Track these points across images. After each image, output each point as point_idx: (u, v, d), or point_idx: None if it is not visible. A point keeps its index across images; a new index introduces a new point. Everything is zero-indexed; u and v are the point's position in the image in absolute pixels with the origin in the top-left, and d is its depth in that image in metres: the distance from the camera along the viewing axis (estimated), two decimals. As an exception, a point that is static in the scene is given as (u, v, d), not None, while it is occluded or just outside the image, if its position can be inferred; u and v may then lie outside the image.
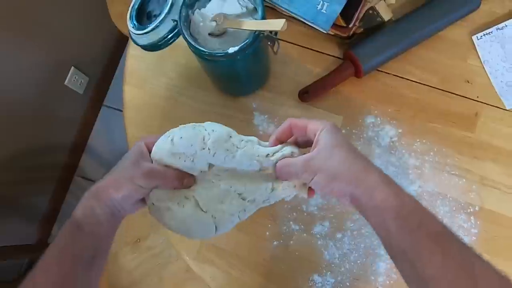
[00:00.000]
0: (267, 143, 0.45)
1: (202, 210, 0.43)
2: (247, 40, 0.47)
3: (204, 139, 0.43)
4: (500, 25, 0.63)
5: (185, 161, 0.43)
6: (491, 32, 0.63)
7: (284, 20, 0.44)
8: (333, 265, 0.60)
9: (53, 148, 1.28)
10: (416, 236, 0.31)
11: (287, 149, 0.42)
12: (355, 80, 0.64)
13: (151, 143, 0.44)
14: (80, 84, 1.28)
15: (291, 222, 0.62)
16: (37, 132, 1.20)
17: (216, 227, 0.44)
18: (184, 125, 0.45)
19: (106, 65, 1.37)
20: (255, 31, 0.47)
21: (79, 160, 1.41)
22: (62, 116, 1.27)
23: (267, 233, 0.62)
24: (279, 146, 0.43)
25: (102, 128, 1.42)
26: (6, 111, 1.06)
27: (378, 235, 0.35)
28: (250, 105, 0.65)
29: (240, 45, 0.47)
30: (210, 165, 0.44)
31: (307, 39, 0.67)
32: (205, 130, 0.44)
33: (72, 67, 1.22)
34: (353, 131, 0.63)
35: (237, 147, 0.44)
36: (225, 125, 0.46)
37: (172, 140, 0.43)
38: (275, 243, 0.61)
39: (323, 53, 0.66)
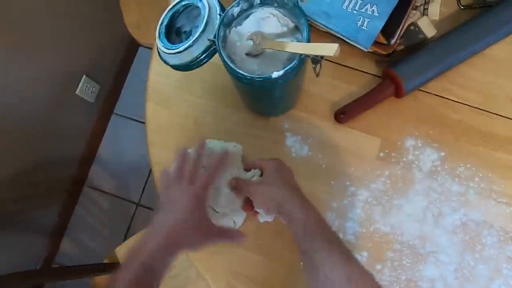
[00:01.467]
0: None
1: (217, 212, 0.56)
2: (293, 64, 0.43)
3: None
4: (549, 43, 0.59)
5: None
6: (540, 50, 0.59)
7: (337, 45, 0.40)
8: None
9: (63, 159, 1.24)
10: (313, 239, 0.44)
11: (258, 173, 0.55)
12: (393, 99, 0.61)
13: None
14: (91, 93, 1.24)
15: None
16: (47, 143, 1.16)
17: (234, 222, 0.58)
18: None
19: (117, 73, 1.34)
20: (301, 54, 0.43)
21: (89, 170, 1.37)
22: (72, 126, 1.24)
23: (302, 263, 0.58)
24: (254, 171, 0.55)
25: (112, 136, 1.38)
26: (16, 122, 1.02)
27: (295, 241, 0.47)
28: (281, 125, 0.62)
29: (285, 70, 0.43)
30: None
31: (342, 56, 0.63)
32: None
33: (84, 76, 1.18)
34: (392, 154, 0.60)
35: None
36: (255, 146, 0.61)
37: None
38: (301, 266, 0.57)
39: (359, 70, 0.62)
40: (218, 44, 0.46)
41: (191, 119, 0.64)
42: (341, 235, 0.58)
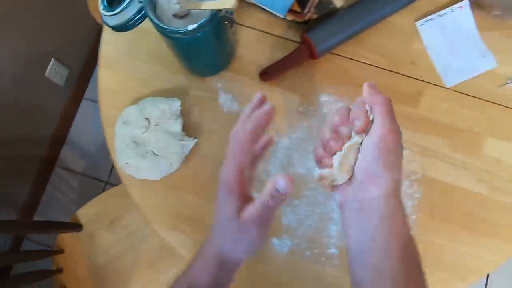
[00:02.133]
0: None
1: (158, 155, 0.65)
2: (205, 19, 0.52)
3: None
4: (441, 12, 0.70)
5: None
6: (433, 18, 0.70)
7: (235, -1, 0.49)
8: (290, 229, 0.65)
9: (33, 139, 1.31)
10: (405, 264, 0.37)
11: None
12: (312, 62, 0.70)
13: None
14: (60, 76, 1.32)
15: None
16: (16, 123, 1.23)
17: (171, 164, 0.66)
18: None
19: (87, 58, 1.41)
20: (212, 10, 0.53)
21: (59, 151, 1.44)
22: (42, 108, 1.31)
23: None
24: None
25: (83, 121, 1.46)
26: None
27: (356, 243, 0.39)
28: (215, 85, 0.71)
29: (198, 23, 0.52)
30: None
31: (269, 26, 0.72)
32: None
33: (53, 59, 1.26)
34: (309, 108, 0.69)
35: None
36: (193, 103, 0.69)
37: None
38: (238, 210, 0.66)
39: (283, 37, 0.72)
40: (145, 4, 0.55)
41: (136, 82, 0.72)
42: (263, 175, 0.67)
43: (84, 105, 1.47)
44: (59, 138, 1.42)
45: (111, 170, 1.40)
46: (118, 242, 0.92)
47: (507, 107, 0.67)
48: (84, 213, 0.94)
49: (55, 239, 0.94)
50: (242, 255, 0.43)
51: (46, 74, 1.24)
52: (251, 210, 0.40)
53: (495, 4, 0.67)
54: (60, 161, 1.43)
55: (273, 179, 0.37)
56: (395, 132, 0.39)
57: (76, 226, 0.91)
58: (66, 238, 0.93)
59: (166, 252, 0.91)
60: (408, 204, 0.65)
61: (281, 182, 0.37)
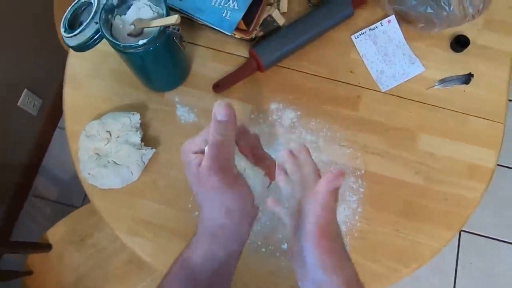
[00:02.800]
0: None
1: (119, 165, 0.69)
2: (154, 34, 0.59)
3: None
4: (371, 26, 0.78)
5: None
6: (365, 32, 0.78)
7: (177, 15, 0.56)
8: (245, 227, 0.69)
9: (6, 168, 1.33)
10: None
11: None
12: (261, 74, 0.77)
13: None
14: (33, 106, 1.36)
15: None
16: (-11, 152, 1.25)
17: (132, 173, 0.69)
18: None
19: (60, 88, 1.46)
20: (160, 27, 0.59)
21: (33, 179, 1.45)
22: (15, 137, 1.33)
23: (189, 205, 0.71)
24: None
25: (56, 149, 1.49)
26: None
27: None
28: (173, 99, 0.77)
29: (149, 38, 0.59)
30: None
31: (221, 44, 0.80)
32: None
33: (25, 89, 1.30)
34: (260, 115, 0.75)
35: None
36: (153, 117, 0.76)
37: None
38: (196, 213, 0.71)
39: (233, 54, 0.79)
40: (100, 24, 0.61)
41: (99, 99, 0.77)
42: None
43: (58, 133, 1.50)
44: (33, 166, 1.44)
45: (85, 196, 1.42)
46: (87, 260, 0.94)
47: (435, 106, 0.75)
48: (53, 233, 0.96)
49: (25, 260, 0.95)
50: (224, 216, 0.39)
51: (19, 103, 1.28)
52: (204, 156, 0.37)
53: (419, 18, 0.76)
54: (34, 189, 1.45)
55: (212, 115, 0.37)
56: (330, 223, 0.41)
57: (45, 246, 0.93)
58: (36, 259, 0.94)
59: (135, 266, 0.93)
60: (354, 198, 0.71)
61: (217, 110, 0.36)
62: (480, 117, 0.74)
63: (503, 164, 1.47)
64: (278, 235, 0.70)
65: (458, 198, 0.70)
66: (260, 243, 0.69)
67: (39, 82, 1.37)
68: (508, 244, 1.40)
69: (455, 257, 1.38)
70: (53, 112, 1.47)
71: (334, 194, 0.40)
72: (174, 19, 0.56)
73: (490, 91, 0.76)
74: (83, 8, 0.69)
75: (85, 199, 1.43)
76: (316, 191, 0.41)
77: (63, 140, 1.47)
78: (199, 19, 0.75)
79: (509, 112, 0.76)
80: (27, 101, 1.32)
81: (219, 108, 0.36)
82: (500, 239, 1.40)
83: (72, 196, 1.44)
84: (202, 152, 0.38)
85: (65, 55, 0.81)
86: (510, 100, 0.75)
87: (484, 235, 1.40)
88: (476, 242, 1.39)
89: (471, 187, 0.71)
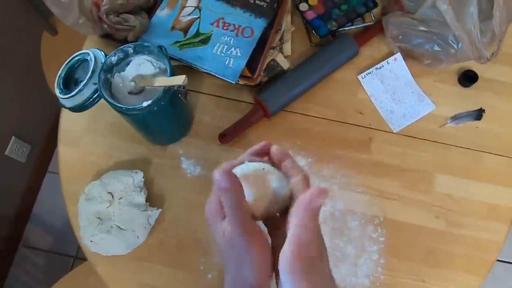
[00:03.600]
0: None
1: (123, 229, 0.64)
2: (158, 95, 0.55)
3: None
4: (378, 65, 0.76)
5: None
6: (372, 71, 0.76)
7: (184, 76, 0.53)
8: None
9: (-5, 220, 1.26)
10: None
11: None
12: (267, 121, 0.74)
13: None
14: (22, 153, 1.30)
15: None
16: (-24, 205, 1.18)
17: (138, 236, 0.65)
18: None
19: (48, 133, 1.41)
20: (164, 86, 0.56)
21: (24, 229, 1.38)
22: (3, 186, 1.27)
23: (201, 267, 0.66)
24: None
25: (47, 195, 1.42)
26: None
27: None
28: (177, 151, 0.73)
29: (153, 100, 0.55)
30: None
31: (224, 90, 0.77)
32: None
33: (13, 137, 1.24)
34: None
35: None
36: (156, 172, 0.71)
37: None
38: (209, 276, 0.66)
39: (238, 100, 0.76)
40: (100, 86, 0.57)
41: (97, 156, 0.73)
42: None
43: (48, 178, 1.44)
44: (23, 215, 1.37)
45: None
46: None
47: (449, 144, 0.73)
48: (52, 296, 0.90)
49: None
50: (253, 275, 0.36)
51: (6, 152, 1.22)
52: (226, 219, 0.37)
53: (425, 55, 0.74)
54: (24, 239, 1.37)
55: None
56: (308, 244, 0.36)
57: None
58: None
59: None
60: (375, 248, 0.67)
61: (215, 178, 0.36)
62: (495, 154, 0.72)
63: None
64: None
65: (482, 241, 0.68)
66: (279, 304, 0.65)
67: (27, 127, 1.31)
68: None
69: None
70: (43, 156, 1.41)
71: (315, 214, 0.37)
72: (181, 80, 0.53)
73: (502, 126, 0.74)
74: (77, 65, 0.66)
75: (80, 248, 1.36)
76: (296, 207, 0.37)
77: (54, 185, 1.41)
78: (200, 68, 0.72)
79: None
80: (15, 149, 1.26)
81: (217, 177, 0.37)
82: None
83: (67, 245, 1.36)
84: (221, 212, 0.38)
85: (51, 98, 0.77)
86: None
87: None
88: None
89: (493, 229, 0.68)
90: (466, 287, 0.65)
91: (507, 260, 1.39)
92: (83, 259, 1.33)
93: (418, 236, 0.68)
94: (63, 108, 0.77)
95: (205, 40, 0.72)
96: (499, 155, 0.72)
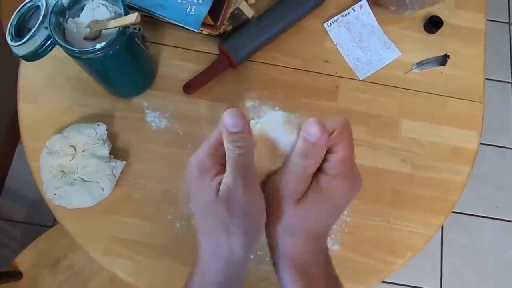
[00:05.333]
0: None
1: (87, 181, 0.63)
2: (112, 36, 0.54)
3: None
4: (344, 13, 0.75)
5: None
6: (338, 19, 0.75)
7: (136, 13, 0.51)
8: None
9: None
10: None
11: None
12: (233, 71, 0.73)
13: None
14: (-11, 124, 1.26)
15: (190, 204, 0.67)
16: None
17: (103, 188, 0.64)
18: None
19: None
20: (119, 27, 0.54)
21: (-3, 202, 1.36)
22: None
23: (169, 217, 0.66)
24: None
25: (20, 167, 1.39)
26: None
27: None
28: (141, 104, 0.71)
29: (107, 40, 0.53)
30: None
31: (188, 42, 0.75)
32: None
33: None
34: (237, 114, 0.71)
35: None
36: (121, 125, 0.70)
37: None
38: (177, 225, 0.66)
39: (202, 51, 0.74)
40: (51, 28, 0.55)
41: (60, 111, 0.71)
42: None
43: (20, 150, 1.40)
44: (-5, 188, 1.34)
45: (56, 213, 1.34)
46: (64, 284, 0.87)
47: (415, 90, 0.73)
48: (23, 259, 0.89)
49: (-6, 292, 0.87)
50: (241, 246, 0.32)
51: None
52: (225, 176, 0.31)
53: (391, 1, 0.73)
54: (-2, 212, 1.35)
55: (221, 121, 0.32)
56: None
57: (14, 275, 0.86)
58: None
59: (118, 285, 0.87)
60: (341, 192, 0.68)
61: (226, 121, 0.31)
62: (459, 98, 0.73)
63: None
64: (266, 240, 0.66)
65: (445, 182, 0.69)
66: (252, 257, 0.65)
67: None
68: (488, 219, 1.43)
69: (440, 236, 1.40)
70: (12, 128, 1.37)
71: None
72: (133, 17, 0.51)
73: (466, 71, 0.75)
74: (30, 13, 0.63)
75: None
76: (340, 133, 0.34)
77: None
78: (161, 17, 0.69)
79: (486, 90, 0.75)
80: (-19, 119, 1.22)
81: (228, 118, 0.31)
82: (481, 215, 1.43)
83: (43, 215, 1.35)
84: (215, 170, 0.32)
85: (16, 61, 0.74)
86: (493, 80, 0.74)
87: (465, 212, 1.42)
88: (459, 220, 1.41)
89: (456, 170, 0.70)
90: (429, 226, 0.67)
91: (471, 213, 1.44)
92: (60, 229, 1.33)
93: (384, 180, 0.69)
94: (21, 65, 0.74)
95: (165, -13, 0.70)
96: (463, 99, 0.73)
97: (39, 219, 1.35)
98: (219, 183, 0.32)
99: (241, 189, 0.31)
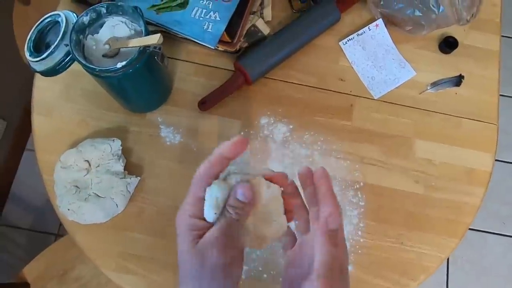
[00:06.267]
0: None
1: (101, 197, 0.63)
2: (133, 56, 0.54)
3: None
4: (359, 31, 0.76)
5: None
6: (353, 37, 0.75)
7: (159, 34, 0.51)
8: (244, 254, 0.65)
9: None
10: None
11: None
12: (247, 88, 0.73)
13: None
14: (-3, 130, 1.26)
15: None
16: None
17: (117, 204, 0.64)
18: None
19: (25, 108, 1.36)
20: (139, 47, 0.54)
21: (2, 209, 1.35)
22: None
23: (182, 234, 0.66)
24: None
25: (26, 173, 1.38)
26: None
27: None
28: (156, 119, 0.71)
29: (127, 60, 0.53)
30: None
31: (203, 57, 0.75)
32: None
33: (-13, 113, 1.20)
34: (251, 132, 0.71)
35: None
36: (135, 140, 0.70)
37: None
38: (190, 242, 0.65)
39: (217, 67, 0.74)
40: (71, 46, 0.55)
41: (74, 125, 0.71)
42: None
43: (27, 156, 1.40)
44: (1, 194, 1.33)
45: (61, 223, 1.33)
46: (72, 296, 0.87)
47: (429, 110, 0.73)
48: (31, 270, 0.88)
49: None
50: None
51: (-20, 129, 1.19)
52: (211, 230, 0.35)
53: (406, 21, 0.74)
54: (3, 218, 1.34)
55: (233, 191, 0.37)
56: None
57: (21, 286, 0.85)
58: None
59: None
60: (355, 213, 0.68)
61: (240, 191, 0.36)
62: (473, 120, 0.73)
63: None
64: (279, 259, 0.66)
65: (459, 204, 0.69)
66: (261, 269, 0.65)
67: (2, 103, 1.27)
68: (495, 235, 1.42)
69: (445, 252, 1.39)
70: (20, 133, 1.37)
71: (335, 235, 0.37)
72: (156, 38, 0.51)
73: (481, 92, 0.75)
74: (48, 28, 0.63)
75: (61, 225, 1.34)
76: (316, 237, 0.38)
77: (33, 162, 1.38)
78: (178, 33, 0.70)
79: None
80: (-10, 125, 1.22)
81: (241, 190, 0.36)
82: (487, 230, 1.42)
83: (47, 223, 1.34)
84: (200, 218, 0.37)
85: (28, 71, 0.74)
86: (501, 95, 0.74)
87: (472, 228, 1.42)
88: (465, 236, 1.40)
89: (470, 192, 0.69)
90: (442, 248, 0.67)
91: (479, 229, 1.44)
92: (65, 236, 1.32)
93: (398, 201, 0.69)
94: (36, 77, 0.74)
95: (183, 4, 0.70)
96: (477, 121, 0.73)
97: (44, 226, 1.34)
98: (200, 237, 0.36)
99: (222, 248, 0.35)
